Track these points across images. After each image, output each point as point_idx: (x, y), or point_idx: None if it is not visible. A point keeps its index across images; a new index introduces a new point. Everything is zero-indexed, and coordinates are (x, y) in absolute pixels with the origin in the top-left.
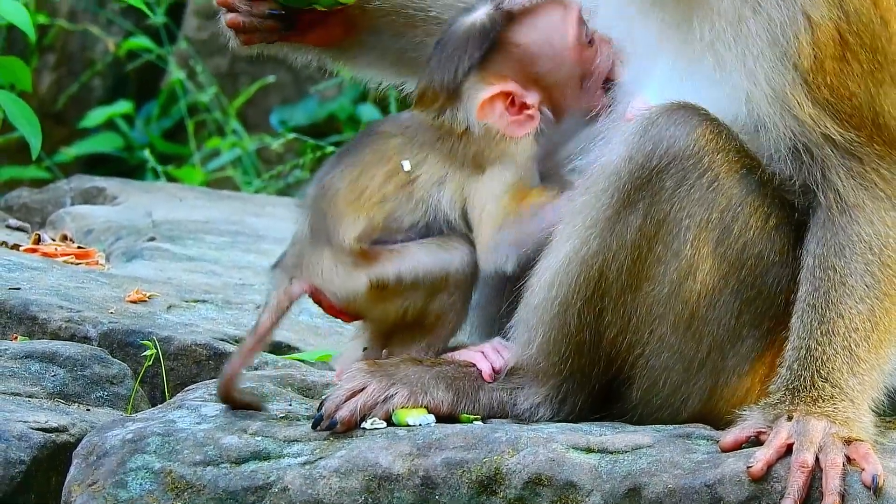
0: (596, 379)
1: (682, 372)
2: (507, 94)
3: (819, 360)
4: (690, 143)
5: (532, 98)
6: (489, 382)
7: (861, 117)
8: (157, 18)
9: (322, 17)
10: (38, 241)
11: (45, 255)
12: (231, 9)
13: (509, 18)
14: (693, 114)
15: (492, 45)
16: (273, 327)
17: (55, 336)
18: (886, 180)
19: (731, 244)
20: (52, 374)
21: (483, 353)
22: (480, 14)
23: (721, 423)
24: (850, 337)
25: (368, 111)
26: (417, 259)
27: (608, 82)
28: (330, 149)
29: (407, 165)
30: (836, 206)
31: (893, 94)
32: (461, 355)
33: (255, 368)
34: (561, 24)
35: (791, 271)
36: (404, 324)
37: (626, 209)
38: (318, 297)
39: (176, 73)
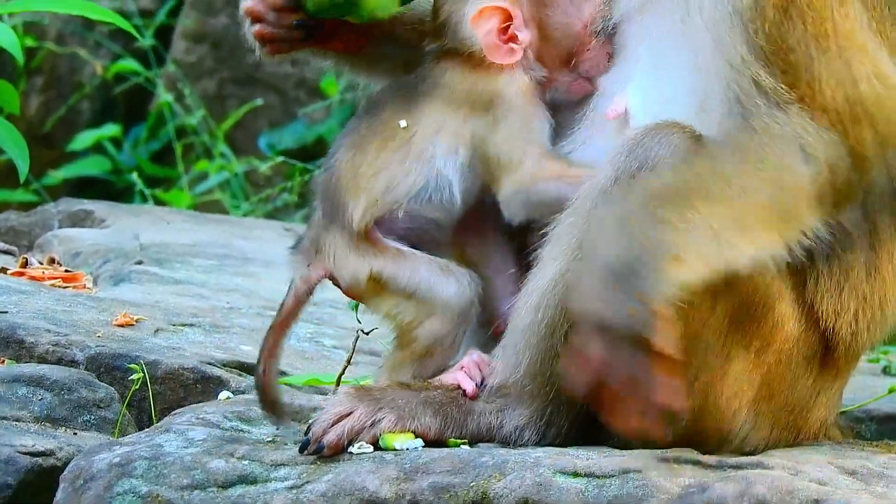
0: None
1: None
2: (506, 16)
3: None
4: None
5: (524, 36)
6: (474, 400)
7: (796, 76)
8: (146, 41)
9: (341, 25)
10: (25, 264)
11: (32, 278)
12: (257, 19)
13: None
14: (677, 132)
15: None
16: (296, 315)
17: (42, 360)
18: (808, 132)
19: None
20: (39, 397)
21: (464, 368)
22: None
23: (708, 444)
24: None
25: None
26: (416, 268)
27: (590, 81)
28: (318, 172)
29: (404, 123)
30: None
31: (836, 65)
32: (447, 378)
33: (243, 392)
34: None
35: (780, 290)
36: (395, 333)
37: None
38: (335, 279)
39: (164, 96)
